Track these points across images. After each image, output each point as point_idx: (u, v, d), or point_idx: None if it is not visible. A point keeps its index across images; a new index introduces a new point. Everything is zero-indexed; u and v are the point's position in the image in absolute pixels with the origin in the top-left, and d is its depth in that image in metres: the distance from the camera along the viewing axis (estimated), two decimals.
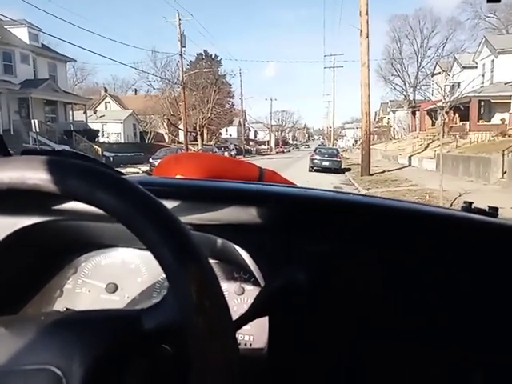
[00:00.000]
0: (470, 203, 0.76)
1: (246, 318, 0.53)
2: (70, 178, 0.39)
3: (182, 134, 32.08)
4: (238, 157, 31.48)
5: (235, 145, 41.24)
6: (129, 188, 0.39)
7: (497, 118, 23.68)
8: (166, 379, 0.46)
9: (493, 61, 26.29)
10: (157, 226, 0.38)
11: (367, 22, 15.90)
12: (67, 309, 0.78)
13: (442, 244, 0.67)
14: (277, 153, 55.77)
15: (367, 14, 15.85)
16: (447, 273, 0.66)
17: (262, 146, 63.49)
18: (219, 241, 0.69)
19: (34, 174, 0.39)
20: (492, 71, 26.31)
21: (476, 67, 28.04)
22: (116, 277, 0.79)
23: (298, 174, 17.56)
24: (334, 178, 16.82)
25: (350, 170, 20.45)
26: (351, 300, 0.66)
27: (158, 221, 0.38)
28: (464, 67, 28.43)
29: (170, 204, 0.67)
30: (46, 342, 0.39)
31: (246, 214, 0.68)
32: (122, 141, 33.23)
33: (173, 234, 0.38)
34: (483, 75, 26.26)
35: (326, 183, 14.22)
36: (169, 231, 0.38)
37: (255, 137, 74.13)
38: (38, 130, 19.65)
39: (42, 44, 26.24)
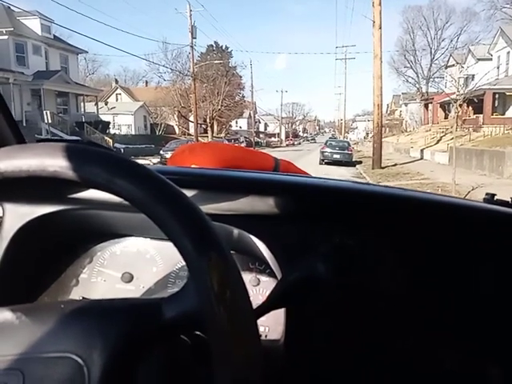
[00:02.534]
0: (493, 195, 0.75)
1: (263, 309, 0.52)
2: (89, 166, 0.38)
3: (192, 126, 32.12)
4: None
5: (245, 137, 41.19)
6: (149, 176, 0.39)
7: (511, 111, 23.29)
8: (186, 368, 0.46)
9: (508, 52, 25.77)
10: (178, 215, 0.37)
11: (380, 13, 15.69)
12: (83, 298, 0.78)
13: (464, 235, 0.65)
14: (287, 145, 55.63)
15: (380, 4, 15.64)
16: (470, 264, 0.65)
17: (272, 139, 63.33)
18: (235, 231, 0.68)
19: (54, 162, 0.38)
20: (508, 63, 25.80)
21: (491, 59, 27.54)
22: (131, 266, 0.79)
23: (309, 166, 17.48)
24: (344, 171, 16.73)
25: (361, 162, 20.33)
26: (370, 292, 0.65)
27: (179, 210, 0.38)
28: (479, 59, 27.96)
29: (186, 193, 0.66)
30: (66, 330, 0.39)
31: (262, 205, 0.67)
32: (133, 132, 33.37)
33: (194, 223, 0.38)
34: (498, 67, 25.80)
35: (337, 176, 14.17)
36: (190, 220, 0.38)
37: (265, 129, 73.91)
38: (50, 121, 19.83)
39: (54, 35, 26.37)
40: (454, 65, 30.98)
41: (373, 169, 16.10)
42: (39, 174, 0.39)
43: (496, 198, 0.74)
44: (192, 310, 0.39)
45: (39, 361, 0.38)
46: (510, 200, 0.73)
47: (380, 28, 15.77)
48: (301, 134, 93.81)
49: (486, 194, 0.75)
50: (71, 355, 0.38)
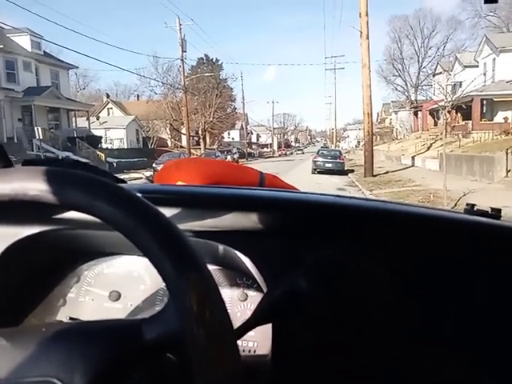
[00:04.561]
0: (473, 205, 0.76)
1: (249, 324, 0.53)
2: (69, 189, 0.39)
3: (184, 139, 32.16)
4: (240, 160, 31.53)
5: (238, 148, 41.28)
6: (127, 197, 0.39)
7: (499, 117, 23.62)
8: None
9: (494, 59, 26.23)
10: (155, 235, 0.38)
11: (367, 23, 15.93)
12: (71, 318, 0.77)
13: (444, 248, 0.66)
14: (279, 155, 55.88)
15: (367, 15, 15.88)
16: (450, 276, 0.66)
17: (265, 149, 63.56)
18: (221, 247, 0.69)
19: (35, 185, 0.39)
20: (493, 70, 26.24)
21: (477, 66, 27.99)
22: (119, 285, 0.79)
23: (301, 176, 17.55)
24: (337, 180, 16.81)
25: (353, 171, 20.42)
26: (355, 305, 0.65)
27: (156, 230, 0.38)
28: (465, 66, 28.42)
29: (170, 211, 0.67)
30: (47, 354, 0.39)
31: (247, 220, 0.68)
32: (125, 146, 33.34)
33: (172, 244, 0.38)
34: (485, 74, 26.22)
35: (330, 185, 14.22)
36: (168, 241, 0.38)
37: (257, 140, 74.13)
38: (41, 137, 19.76)
39: (44, 51, 26.43)
40: (441, 72, 31.43)
41: (365, 177, 16.18)
42: (21, 197, 0.39)
43: (476, 207, 0.75)
44: (172, 330, 0.39)
45: None
46: (489, 210, 0.74)
47: (367, 38, 15.99)
48: (293, 143, 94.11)
49: (467, 204, 0.76)
50: (52, 379, 0.37)
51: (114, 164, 22.87)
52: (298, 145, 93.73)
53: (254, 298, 0.75)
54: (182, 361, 0.43)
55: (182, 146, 34.96)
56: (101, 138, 28.65)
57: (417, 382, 0.66)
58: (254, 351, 0.73)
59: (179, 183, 0.96)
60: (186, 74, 29.70)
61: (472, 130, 22.98)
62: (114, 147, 31.70)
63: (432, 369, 0.64)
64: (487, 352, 0.65)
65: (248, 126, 57.35)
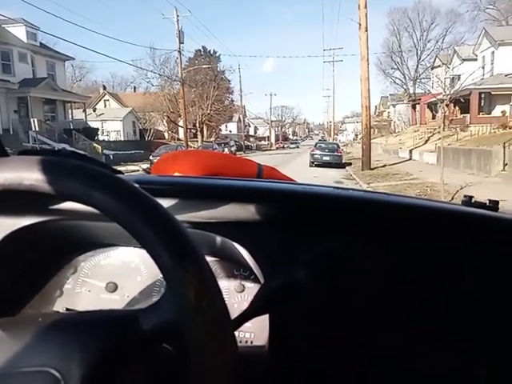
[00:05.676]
0: (471, 197, 0.76)
1: (246, 315, 0.53)
2: (65, 179, 0.38)
3: (181, 131, 32.08)
4: (238, 153, 31.49)
5: (235, 141, 41.12)
6: (124, 188, 0.39)
7: (497, 111, 23.63)
8: (166, 378, 0.46)
9: (493, 53, 26.19)
10: (153, 226, 0.37)
11: (366, 16, 15.82)
12: (67, 309, 0.77)
13: (443, 239, 0.66)
14: (277, 148, 55.84)
15: (366, 7, 15.77)
16: (448, 267, 0.66)
17: (262, 142, 63.37)
18: (218, 238, 0.69)
19: (30, 175, 0.38)
20: (492, 63, 26.22)
21: (476, 59, 27.94)
22: (116, 276, 0.79)
23: (299, 169, 17.55)
24: (335, 173, 16.81)
25: (350, 164, 20.42)
26: (352, 296, 0.66)
27: (154, 221, 0.38)
28: (464, 59, 28.33)
29: (168, 202, 0.67)
30: (43, 344, 0.39)
31: (244, 212, 0.67)
32: (122, 138, 33.21)
33: (169, 234, 0.38)
34: (483, 67, 26.18)
35: (327, 177, 14.23)
36: (165, 231, 0.38)
37: (255, 132, 73.97)
38: (37, 129, 19.62)
39: (41, 43, 26.20)
40: (439, 65, 31.35)
41: (362, 170, 16.17)
42: (16, 187, 0.39)
43: (474, 199, 0.75)
44: (169, 320, 0.39)
45: (16, 376, 0.37)
46: (487, 202, 0.74)
47: (366, 30, 15.90)
48: (290, 136, 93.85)
49: (465, 196, 0.76)
50: (49, 369, 0.37)
51: (111, 156, 22.81)
52: (295, 138, 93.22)
53: (252, 289, 0.75)
54: (178, 351, 0.43)
55: (179, 139, 34.89)
56: (97, 129, 28.51)
57: (412, 369, 0.66)
58: (251, 342, 0.73)
59: (176, 174, 0.96)
60: (183, 65, 29.51)
61: (470, 123, 23.01)
62: (111, 139, 31.57)
63: (428, 356, 0.64)
64: (484, 342, 0.65)
65: (246, 119, 57.24)
